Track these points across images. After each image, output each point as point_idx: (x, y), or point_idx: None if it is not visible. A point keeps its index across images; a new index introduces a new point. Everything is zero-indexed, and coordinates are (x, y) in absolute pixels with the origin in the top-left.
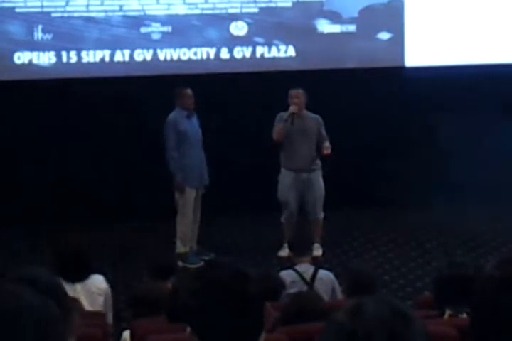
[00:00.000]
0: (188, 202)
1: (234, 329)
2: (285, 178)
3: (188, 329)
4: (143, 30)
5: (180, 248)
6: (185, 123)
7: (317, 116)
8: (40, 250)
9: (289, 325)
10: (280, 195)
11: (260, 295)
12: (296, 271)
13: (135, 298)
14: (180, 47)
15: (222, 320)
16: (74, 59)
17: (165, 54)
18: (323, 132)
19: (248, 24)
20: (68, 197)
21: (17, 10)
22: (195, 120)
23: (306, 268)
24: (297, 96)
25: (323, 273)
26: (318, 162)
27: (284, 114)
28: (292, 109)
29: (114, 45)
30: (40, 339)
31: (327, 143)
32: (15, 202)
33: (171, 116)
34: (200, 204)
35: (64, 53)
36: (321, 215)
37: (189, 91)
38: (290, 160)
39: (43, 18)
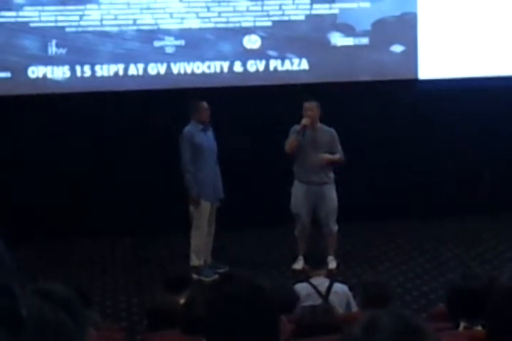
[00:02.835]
0: (203, 216)
1: None
2: (297, 190)
3: None
4: (156, 44)
5: (194, 261)
6: (201, 136)
7: (331, 130)
8: (53, 262)
9: (303, 338)
10: (293, 208)
11: (275, 307)
12: (311, 284)
13: (150, 311)
14: (194, 60)
15: (238, 332)
16: (88, 73)
17: (178, 67)
18: (338, 145)
19: (261, 37)
20: (82, 208)
21: (31, 24)
22: (210, 133)
23: (321, 282)
24: (311, 108)
25: (338, 286)
26: (332, 175)
27: (297, 127)
28: (304, 121)
29: (127, 59)
30: None
31: (332, 156)
32: (25, 214)
33: (187, 129)
34: (214, 217)
35: (78, 67)
36: (335, 228)
37: (205, 104)
38: (302, 172)
39: (57, 32)
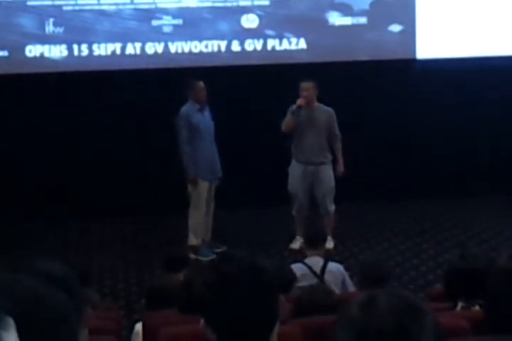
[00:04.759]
0: (201, 195)
1: (248, 321)
2: (294, 170)
3: (202, 321)
4: (154, 23)
5: (192, 240)
6: (198, 116)
7: (329, 109)
8: (52, 242)
9: (302, 317)
10: (290, 187)
11: (274, 287)
12: (305, 264)
13: (148, 290)
14: (192, 39)
15: (237, 311)
16: (85, 52)
17: (176, 47)
18: (335, 125)
19: (259, 17)
20: (80, 189)
21: (28, 3)
22: (207, 113)
23: (315, 261)
24: (307, 89)
25: (332, 265)
26: (329, 155)
27: (294, 107)
28: (299, 101)
29: (125, 38)
30: (52, 332)
31: (341, 168)
32: (25, 194)
33: (183, 109)
34: (213, 196)
35: (75, 46)
36: (332, 208)
37: (201, 84)
38: (299, 152)
39: (54, 11)
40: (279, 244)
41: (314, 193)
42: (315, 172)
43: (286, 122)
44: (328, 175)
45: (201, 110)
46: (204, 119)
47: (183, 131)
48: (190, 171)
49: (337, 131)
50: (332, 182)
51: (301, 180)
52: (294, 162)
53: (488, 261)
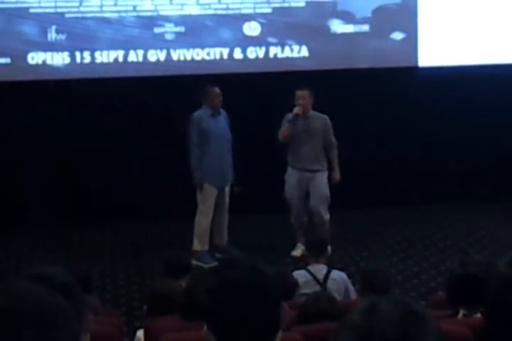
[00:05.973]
0: (207, 200)
1: (251, 327)
2: (290, 177)
3: (205, 327)
4: (156, 30)
5: (196, 245)
6: (209, 121)
7: (324, 117)
8: (54, 247)
9: (305, 324)
10: (286, 194)
11: (277, 292)
12: (308, 271)
13: (150, 296)
14: (194, 47)
15: (240, 318)
16: (87, 59)
17: (178, 54)
18: (331, 133)
19: (261, 24)
20: (82, 193)
21: (31, 10)
22: (222, 119)
23: (319, 269)
24: (303, 97)
25: (336, 273)
26: (324, 163)
27: (290, 115)
28: (296, 110)
29: (127, 46)
30: (53, 337)
31: (337, 175)
32: (27, 198)
33: (195, 114)
34: (226, 202)
35: (77, 53)
36: (327, 216)
37: (217, 89)
38: (295, 160)
39: (56, 18)
40: (280, 251)
41: (309, 200)
42: (310, 178)
43: (283, 131)
44: (322, 182)
45: (214, 115)
46: (216, 125)
47: (193, 134)
48: (196, 175)
49: (332, 139)
50: (326, 191)
51: (296, 186)
52: (290, 169)
53: (489, 268)
